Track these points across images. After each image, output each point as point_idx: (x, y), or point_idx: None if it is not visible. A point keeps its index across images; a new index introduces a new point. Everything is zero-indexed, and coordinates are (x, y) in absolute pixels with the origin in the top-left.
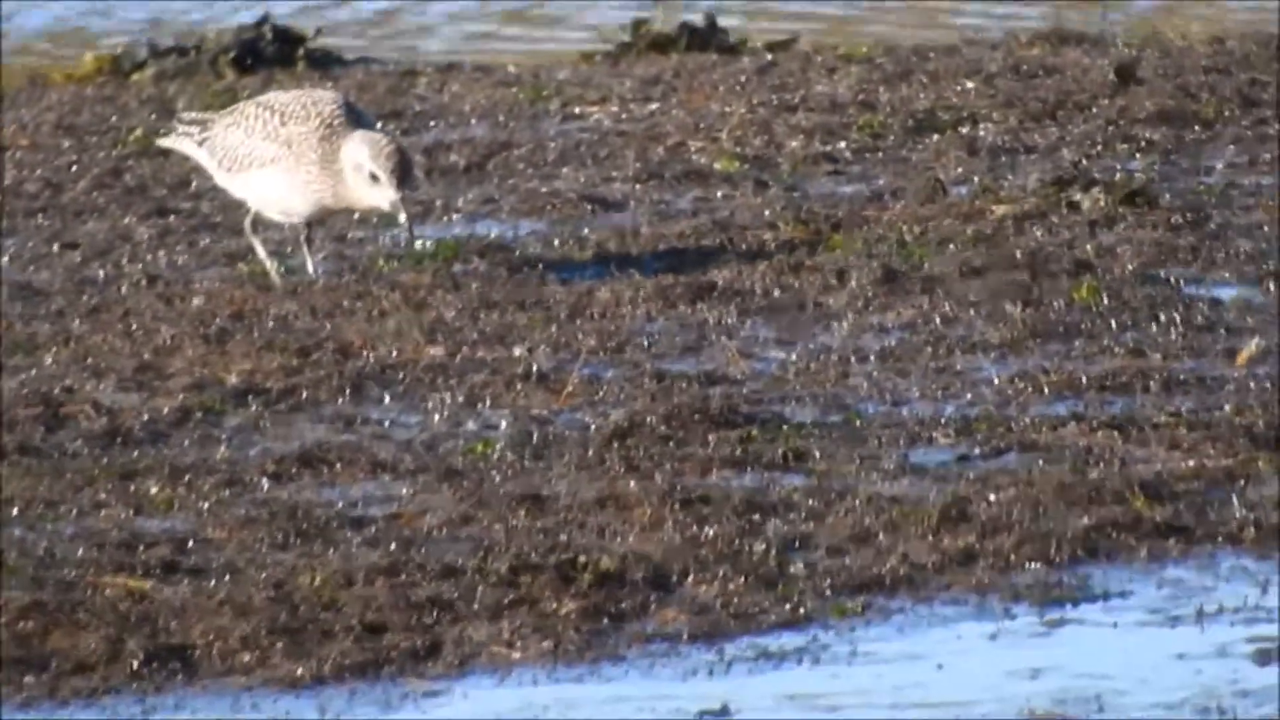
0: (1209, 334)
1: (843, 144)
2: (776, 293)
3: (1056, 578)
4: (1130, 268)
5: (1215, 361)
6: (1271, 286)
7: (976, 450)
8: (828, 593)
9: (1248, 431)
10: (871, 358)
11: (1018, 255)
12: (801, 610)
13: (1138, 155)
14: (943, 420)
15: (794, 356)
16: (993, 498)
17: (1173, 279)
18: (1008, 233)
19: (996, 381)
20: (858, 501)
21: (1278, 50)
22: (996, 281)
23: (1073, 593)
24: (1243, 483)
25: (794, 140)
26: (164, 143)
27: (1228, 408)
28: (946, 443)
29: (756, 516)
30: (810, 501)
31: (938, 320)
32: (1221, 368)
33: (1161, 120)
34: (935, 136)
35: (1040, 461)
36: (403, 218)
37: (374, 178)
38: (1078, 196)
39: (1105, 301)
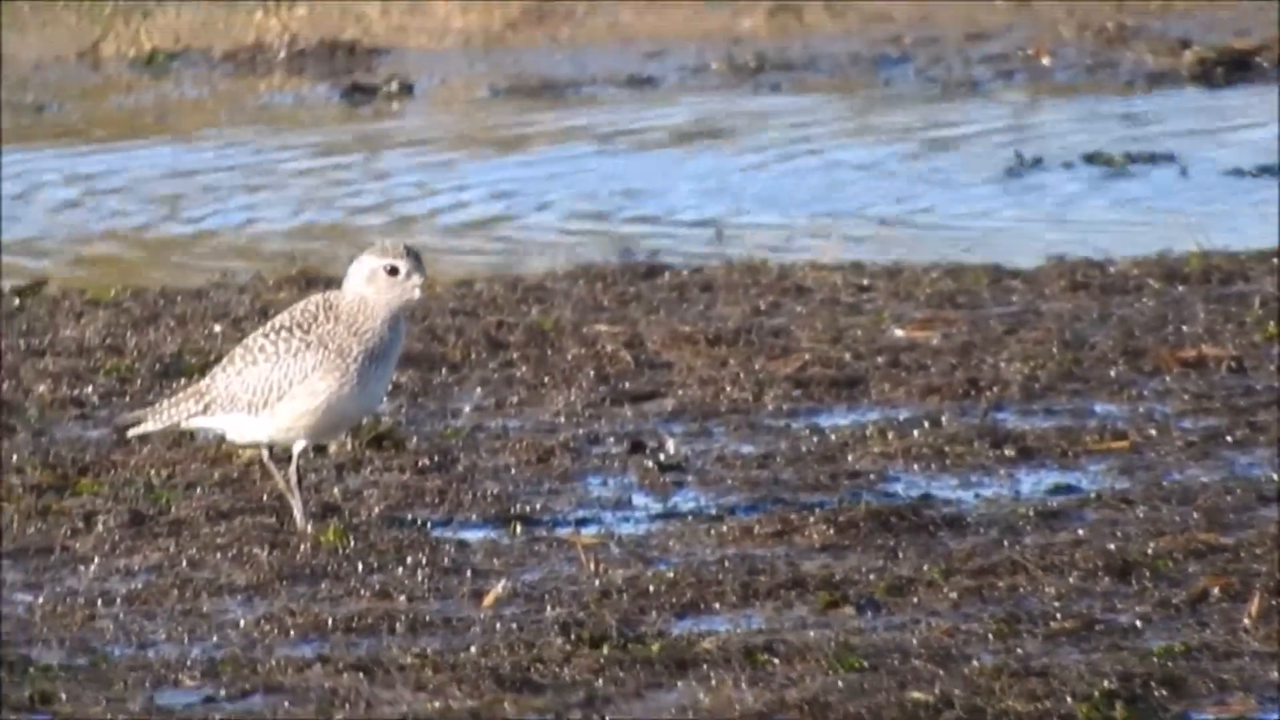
0: (456, 576)
1: (90, 388)
2: (25, 536)
3: None
4: (377, 510)
5: (462, 603)
6: (519, 528)
7: (223, 692)
8: None
9: (494, 673)
10: (119, 600)
11: (265, 498)
12: None
13: (385, 398)
14: (189, 662)
15: (41, 599)
16: None
17: (420, 521)
18: (254, 476)
19: (243, 624)
20: None
21: (522, 293)
22: (243, 524)
23: None
24: None
25: (41, 384)
26: (141, 430)
27: (474, 649)
28: (193, 685)
29: None
30: None
31: (184, 563)
32: (468, 609)
33: (409, 363)
34: (183, 380)
35: (286, 703)
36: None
37: (393, 270)
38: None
39: (352, 544)
